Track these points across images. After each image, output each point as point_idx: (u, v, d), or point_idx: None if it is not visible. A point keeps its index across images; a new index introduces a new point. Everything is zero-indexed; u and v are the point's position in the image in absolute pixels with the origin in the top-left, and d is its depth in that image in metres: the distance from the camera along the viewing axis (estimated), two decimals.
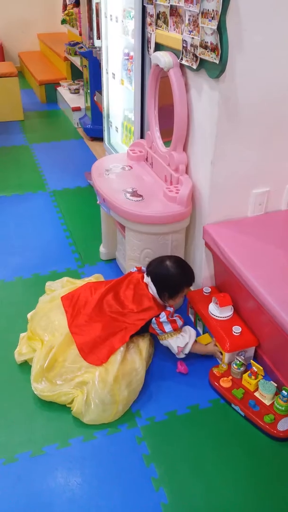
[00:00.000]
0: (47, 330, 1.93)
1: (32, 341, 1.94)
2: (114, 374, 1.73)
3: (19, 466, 1.59)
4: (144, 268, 2.00)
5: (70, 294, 2.01)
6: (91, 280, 2.20)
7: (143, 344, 1.92)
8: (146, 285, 1.91)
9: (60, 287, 2.17)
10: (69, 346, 1.84)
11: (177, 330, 1.87)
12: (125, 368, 1.78)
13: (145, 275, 1.94)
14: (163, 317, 1.85)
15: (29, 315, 2.08)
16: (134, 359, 1.83)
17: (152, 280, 1.89)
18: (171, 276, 1.88)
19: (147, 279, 1.92)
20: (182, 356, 1.91)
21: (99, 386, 1.71)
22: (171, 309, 1.88)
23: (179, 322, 1.88)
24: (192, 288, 2.32)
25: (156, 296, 1.88)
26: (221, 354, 1.93)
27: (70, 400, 1.76)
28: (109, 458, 1.62)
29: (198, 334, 2.10)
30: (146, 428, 1.72)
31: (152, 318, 1.86)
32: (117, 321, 1.87)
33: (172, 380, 1.91)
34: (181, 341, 1.88)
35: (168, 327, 1.85)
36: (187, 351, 1.90)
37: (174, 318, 1.88)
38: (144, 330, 1.90)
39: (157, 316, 1.85)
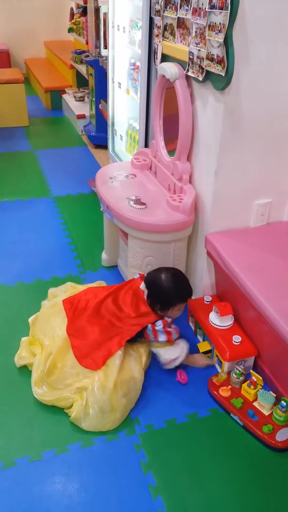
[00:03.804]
0: (47, 335, 1.93)
1: (33, 346, 1.95)
2: (113, 380, 1.73)
3: (17, 471, 1.59)
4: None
5: (71, 297, 2.02)
6: (94, 286, 2.21)
7: (144, 353, 1.92)
8: (143, 292, 1.90)
9: (63, 292, 2.18)
10: (68, 351, 1.85)
11: (170, 342, 1.87)
12: (124, 377, 1.77)
13: (142, 282, 1.93)
14: (159, 325, 1.84)
15: (30, 320, 2.09)
16: (134, 368, 1.83)
17: (147, 289, 1.87)
18: (164, 289, 1.83)
19: (143, 286, 1.90)
20: (169, 367, 1.90)
21: (98, 392, 1.72)
22: (168, 319, 1.87)
23: (174, 336, 1.87)
24: (193, 296, 2.34)
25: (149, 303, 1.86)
26: (220, 363, 1.94)
27: (70, 405, 1.76)
28: (107, 464, 1.62)
29: (197, 341, 2.11)
30: (145, 435, 1.72)
31: (148, 324, 1.86)
32: (114, 326, 1.86)
33: (171, 388, 1.91)
34: (171, 353, 1.87)
35: (162, 337, 1.85)
36: (177, 363, 1.89)
37: (171, 329, 1.86)
38: (141, 335, 1.91)
39: (154, 323, 1.85)
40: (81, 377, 1.78)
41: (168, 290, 1.83)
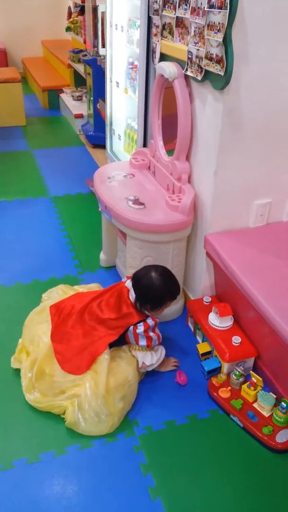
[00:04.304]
0: (33, 341, 1.91)
1: (20, 354, 1.94)
2: (103, 385, 1.71)
3: (15, 473, 1.58)
4: None
5: (58, 303, 1.99)
6: (92, 288, 2.18)
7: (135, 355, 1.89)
8: (128, 291, 1.86)
9: (56, 296, 2.14)
10: (54, 357, 1.82)
11: (150, 347, 1.85)
12: (118, 380, 1.75)
13: (128, 280, 1.88)
14: (140, 328, 1.80)
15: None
16: (127, 370, 1.81)
17: (134, 289, 1.81)
18: (155, 288, 1.77)
19: (128, 284, 1.85)
20: (142, 371, 1.89)
21: (91, 398, 1.70)
22: (152, 323, 1.82)
23: (155, 342, 1.85)
24: (191, 297, 2.33)
25: (136, 303, 1.82)
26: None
27: (63, 411, 1.75)
28: (106, 466, 1.61)
29: (196, 342, 2.10)
30: (144, 437, 1.71)
31: (130, 326, 1.81)
32: (97, 330, 1.84)
33: (170, 389, 1.90)
34: (149, 359, 1.85)
35: (143, 342, 1.82)
36: (149, 369, 1.89)
37: (152, 334, 1.83)
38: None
39: (135, 325, 1.81)
40: (72, 384, 1.76)
41: (160, 290, 1.79)
